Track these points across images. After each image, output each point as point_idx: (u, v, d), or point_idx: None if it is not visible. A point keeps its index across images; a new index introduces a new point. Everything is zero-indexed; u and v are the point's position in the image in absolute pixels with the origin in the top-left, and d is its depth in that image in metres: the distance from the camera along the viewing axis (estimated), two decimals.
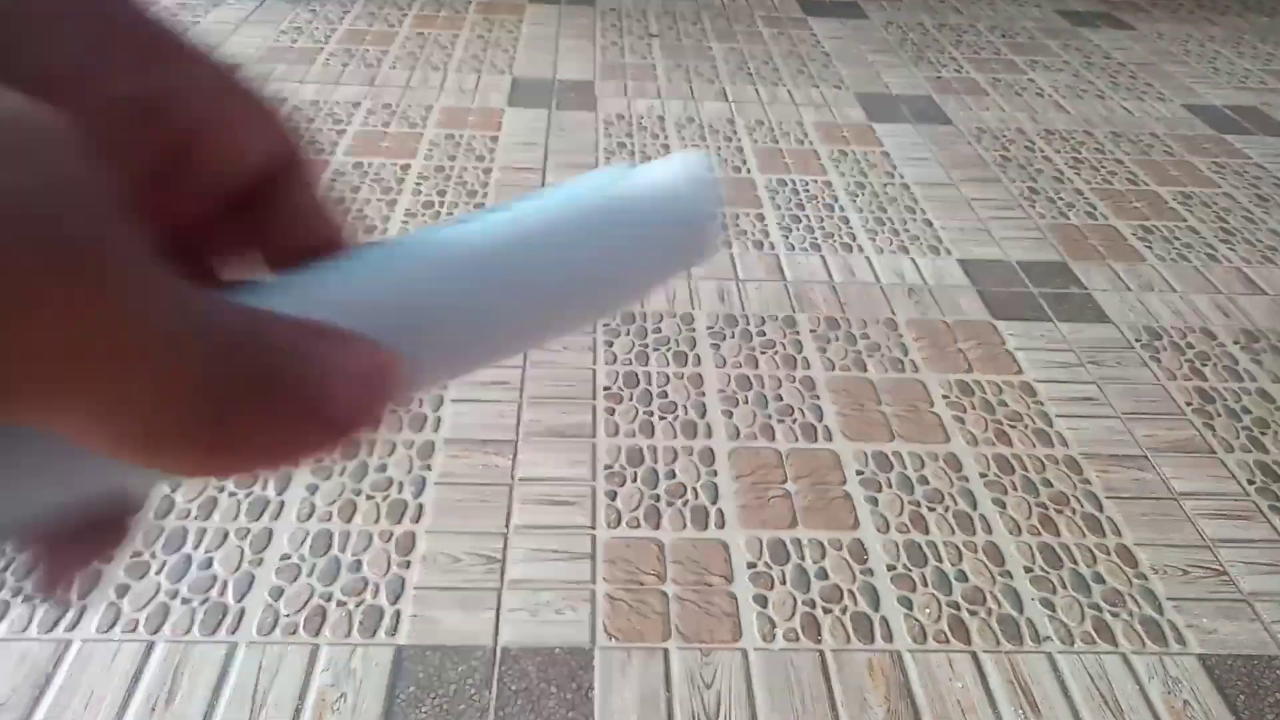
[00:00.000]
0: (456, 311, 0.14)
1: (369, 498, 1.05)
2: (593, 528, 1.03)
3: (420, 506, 1.04)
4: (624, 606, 0.94)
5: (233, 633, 0.89)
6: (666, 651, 0.90)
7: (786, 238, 1.59)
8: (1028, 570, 1.01)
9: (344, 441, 0.12)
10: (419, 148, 1.82)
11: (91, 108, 0.12)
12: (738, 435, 1.17)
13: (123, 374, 0.09)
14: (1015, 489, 1.11)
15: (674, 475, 1.10)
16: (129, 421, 0.10)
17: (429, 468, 1.09)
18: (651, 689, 0.87)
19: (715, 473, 1.11)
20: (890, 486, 1.10)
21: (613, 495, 1.07)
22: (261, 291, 0.13)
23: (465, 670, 0.88)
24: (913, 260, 1.55)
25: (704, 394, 1.23)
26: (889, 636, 0.93)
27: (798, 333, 1.36)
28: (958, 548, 1.03)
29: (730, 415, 1.20)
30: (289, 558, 0.97)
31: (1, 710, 0.82)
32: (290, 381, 0.11)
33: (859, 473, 1.12)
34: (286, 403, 0.11)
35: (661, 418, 1.19)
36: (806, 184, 1.76)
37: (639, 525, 1.04)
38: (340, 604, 0.93)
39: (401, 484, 1.07)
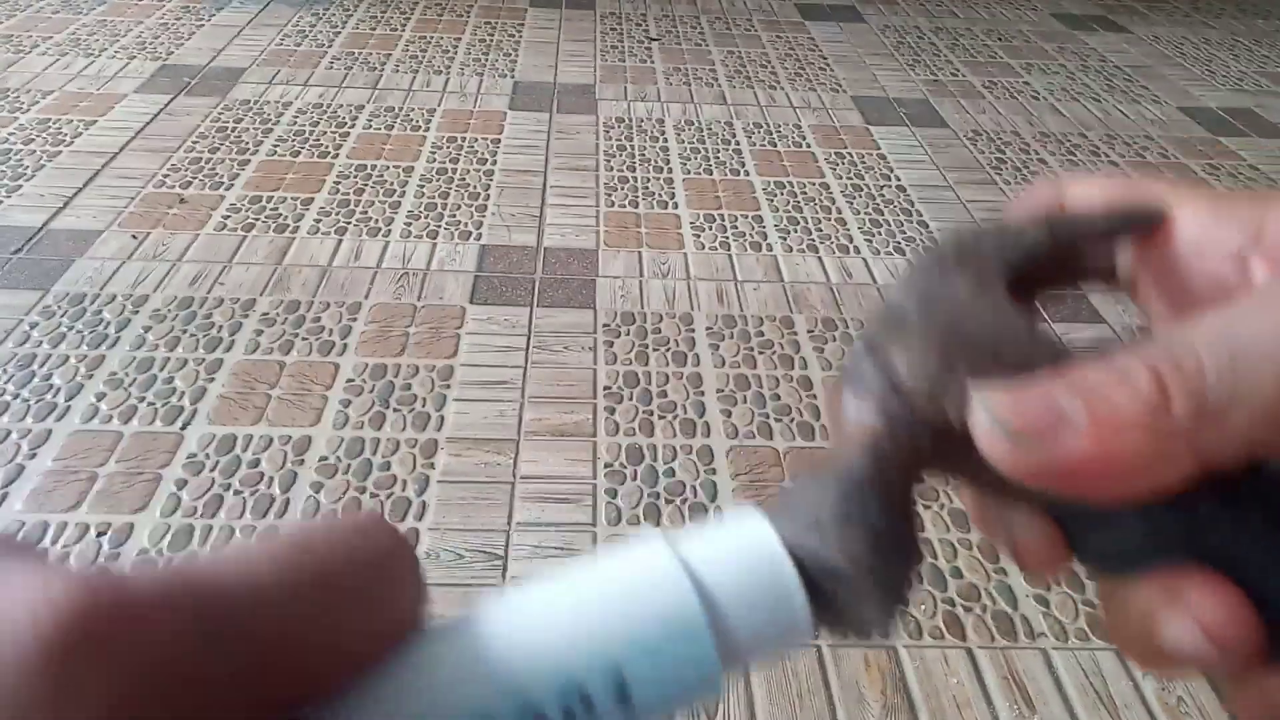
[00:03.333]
0: None
1: (373, 495, 1.06)
2: (593, 525, 1.04)
3: (423, 504, 1.05)
4: None
5: None
6: None
7: (784, 239, 1.61)
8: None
9: None
10: (422, 150, 1.83)
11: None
12: (736, 434, 1.18)
13: None
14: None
15: (673, 473, 1.12)
16: None
17: (432, 465, 1.10)
18: None
19: (714, 471, 1.12)
20: None
21: (613, 493, 1.09)
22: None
23: None
24: (909, 261, 1.56)
25: (703, 393, 1.25)
26: (885, 632, 0.94)
27: (795, 333, 1.38)
28: (953, 545, 1.04)
29: (729, 414, 1.21)
30: None
31: None
32: None
33: None
34: None
35: (661, 417, 1.20)
36: (804, 186, 1.78)
37: (639, 523, 1.05)
38: None
39: (405, 481, 1.08)
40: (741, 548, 0.15)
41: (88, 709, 0.08)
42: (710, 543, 0.15)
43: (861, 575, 0.15)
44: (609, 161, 1.84)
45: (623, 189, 1.74)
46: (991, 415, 0.15)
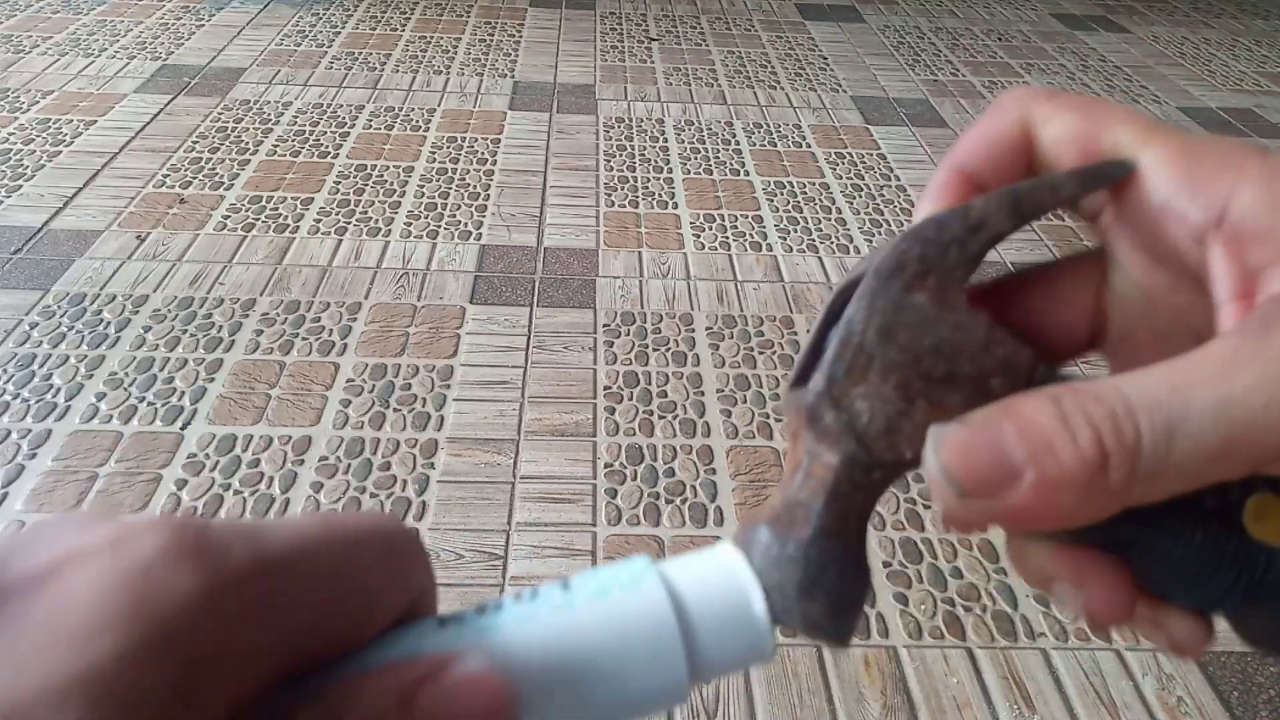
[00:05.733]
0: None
1: (373, 495, 1.06)
2: (593, 525, 1.04)
3: (424, 504, 1.05)
4: None
5: None
6: None
7: (784, 239, 1.61)
8: None
9: None
10: (422, 150, 1.83)
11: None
12: (736, 434, 1.18)
13: None
14: None
15: (673, 473, 1.12)
16: None
17: (432, 465, 1.10)
18: None
19: (714, 471, 1.12)
20: None
21: (613, 493, 1.09)
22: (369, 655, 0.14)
23: None
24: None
25: (703, 393, 1.25)
26: (885, 632, 0.94)
27: (795, 333, 1.38)
28: (953, 545, 1.04)
29: (728, 414, 1.21)
30: None
31: None
32: None
33: None
34: None
35: (661, 417, 1.20)
36: (804, 186, 1.78)
37: (639, 522, 1.05)
38: None
39: (405, 481, 1.08)
40: (720, 584, 0.16)
41: (177, 594, 0.11)
42: (693, 577, 0.16)
43: (820, 631, 0.17)
44: (609, 161, 1.84)
45: (623, 189, 1.74)
46: (944, 471, 0.16)
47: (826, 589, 0.17)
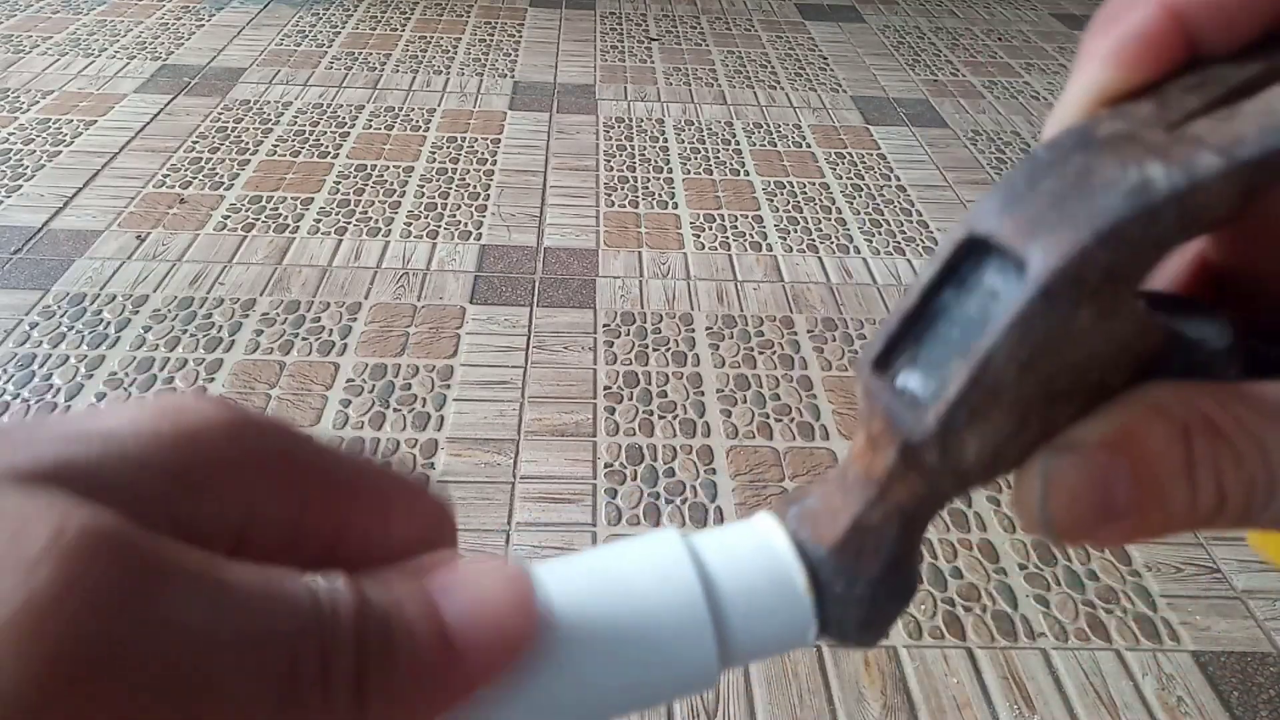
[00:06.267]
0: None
1: None
2: (593, 525, 1.04)
3: None
4: None
5: None
6: None
7: (784, 239, 1.61)
8: (1022, 567, 1.02)
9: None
10: (422, 150, 1.83)
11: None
12: (736, 434, 1.18)
13: None
14: (1010, 487, 1.12)
15: (673, 473, 1.12)
16: None
17: (432, 465, 1.10)
18: None
19: (714, 471, 1.12)
20: None
21: (613, 493, 1.09)
22: None
23: None
24: (909, 261, 1.57)
25: (703, 393, 1.25)
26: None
27: (795, 333, 1.38)
28: (953, 545, 1.04)
29: (729, 414, 1.21)
30: None
31: None
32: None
33: None
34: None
35: (661, 417, 1.20)
36: (804, 186, 1.78)
37: (639, 522, 1.05)
38: None
39: None
40: (767, 579, 0.16)
41: (202, 415, 0.13)
42: (736, 569, 0.16)
43: (862, 646, 0.16)
44: (609, 161, 1.84)
45: (623, 189, 1.74)
46: (1047, 519, 0.14)
47: (884, 618, 0.16)
